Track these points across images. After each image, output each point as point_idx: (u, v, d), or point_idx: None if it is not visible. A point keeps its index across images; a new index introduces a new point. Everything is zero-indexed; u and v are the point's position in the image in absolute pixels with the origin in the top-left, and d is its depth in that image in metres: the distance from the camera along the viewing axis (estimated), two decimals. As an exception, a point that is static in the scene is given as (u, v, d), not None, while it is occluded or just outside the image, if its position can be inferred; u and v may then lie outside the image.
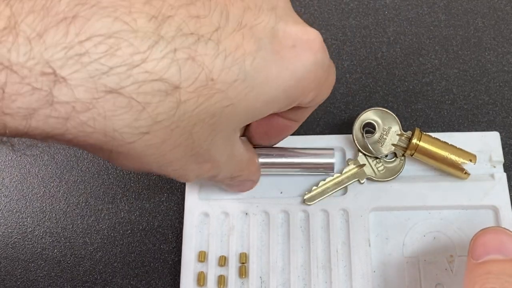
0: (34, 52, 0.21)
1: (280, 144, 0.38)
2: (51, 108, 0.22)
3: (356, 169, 0.39)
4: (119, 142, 0.24)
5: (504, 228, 0.32)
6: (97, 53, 0.22)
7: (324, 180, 0.39)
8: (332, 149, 0.39)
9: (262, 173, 0.39)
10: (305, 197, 0.39)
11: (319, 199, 0.38)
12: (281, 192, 0.40)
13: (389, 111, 0.39)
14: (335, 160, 0.39)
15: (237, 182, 0.35)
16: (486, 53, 0.45)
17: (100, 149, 0.25)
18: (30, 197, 0.42)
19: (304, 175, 0.39)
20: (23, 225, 0.41)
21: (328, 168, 0.38)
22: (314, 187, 0.39)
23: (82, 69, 0.22)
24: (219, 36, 0.25)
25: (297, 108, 0.32)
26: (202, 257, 0.38)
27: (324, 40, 0.31)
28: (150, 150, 0.26)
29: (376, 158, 0.39)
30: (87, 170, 0.43)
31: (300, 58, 0.28)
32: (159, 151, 0.26)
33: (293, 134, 0.41)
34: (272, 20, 0.27)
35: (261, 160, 0.38)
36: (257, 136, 0.36)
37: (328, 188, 0.39)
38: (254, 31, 0.26)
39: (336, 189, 0.39)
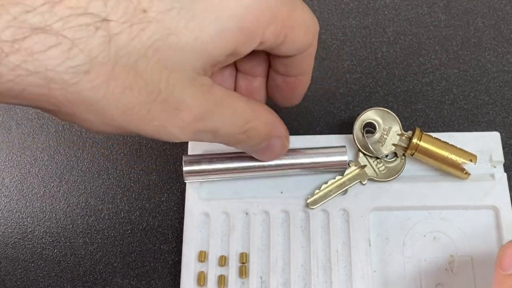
0: None
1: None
2: None
3: (357, 170, 0.39)
4: (61, 85, 0.25)
5: None
6: None
7: (326, 183, 0.39)
8: (344, 146, 0.39)
9: (272, 175, 0.38)
10: (308, 201, 0.38)
11: (322, 203, 0.38)
12: (282, 192, 0.39)
13: (389, 111, 0.39)
14: (348, 157, 0.39)
15: (260, 143, 0.33)
16: (486, 53, 0.45)
17: (48, 101, 0.25)
18: (30, 197, 0.42)
19: (315, 174, 0.39)
20: (23, 225, 0.41)
21: (341, 166, 0.38)
22: (317, 191, 0.39)
23: (5, 12, 0.23)
24: None
25: (282, 57, 0.31)
26: (202, 257, 0.38)
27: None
28: (99, 93, 0.25)
29: (377, 158, 0.39)
30: (87, 170, 0.42)
31: None
32: (110, 95, 0.26)
33: (293, 134, 0.41)
34: None
35: (273, 162, 0.38)
36: (277, 99, 0.35)
37: (330, 191, 0.39)
38: None
39: (339, 192, 0.39)
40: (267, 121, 0.33)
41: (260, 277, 0.38)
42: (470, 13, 0.47)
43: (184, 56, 0.27)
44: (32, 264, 0.39)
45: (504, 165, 0.40)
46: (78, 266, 0.39)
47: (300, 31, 0.30)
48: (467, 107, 0.44)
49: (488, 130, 0.42)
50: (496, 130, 0.42)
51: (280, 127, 0.34)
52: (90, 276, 0.39)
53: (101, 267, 0.39)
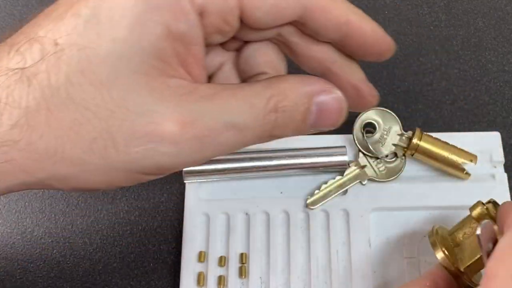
0: None
1: (288, 146, 0.38)
2: None
3: (357, 171, 0.39)
4: (14, 146, 0.24)
5: None
6: None
7: (326, 183, 0.39)
8: (344, 146, 0.39)
9: (272, 175, 0.38)
10: (308, 202, 0.38)
11: (322, 203, 0.38)
12: (281, 192, 0.39)
13: (389, 111, 0.39)
14: (348, 158, 0.39)
15: (303, 112, 0.26)
16: (487, 53, 0.45)
17: (18, 171, 0.24)
18: (30, 197, 0.42)
19: (314, 174, 0.39)
20: (23, 225, 0.41)
21: (341, 166, 0.38)
22: (317, 191, 0.39)
23: None
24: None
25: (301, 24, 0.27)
26: (202, 257, 0.38)
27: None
28: (50, 139, 0.24)
29: (377, 158, 0.39)
30: (87, 170, 0.42)
31: None
32: (64, 138, 0.24)
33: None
34: None
35: (273, 162, 0.38)
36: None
37: (330, 191, 0.39)
38: None
39: (339, 192, 0.38)
40: (294, 82, 0.26)
41: (260, 277, 0.37)
42: (471, 13, 0.47)
43: (112, 62, 0.24)
44: (31, 265, 0.39)
45: (505, 165, 0.40)
46: (77, 267, 0.39)
47: None
48: (467, 107, 0.43)
49: (488, 130, 0.42)
50: (496, 130, 0.41)
51: (316, 80, 0.27)
52: (90, 276, 0.39)
53: (100, 267, 0.39)
